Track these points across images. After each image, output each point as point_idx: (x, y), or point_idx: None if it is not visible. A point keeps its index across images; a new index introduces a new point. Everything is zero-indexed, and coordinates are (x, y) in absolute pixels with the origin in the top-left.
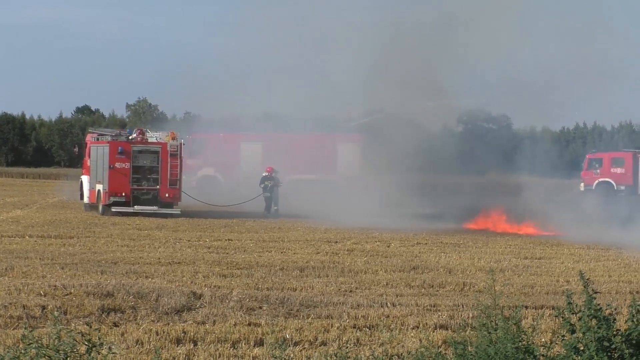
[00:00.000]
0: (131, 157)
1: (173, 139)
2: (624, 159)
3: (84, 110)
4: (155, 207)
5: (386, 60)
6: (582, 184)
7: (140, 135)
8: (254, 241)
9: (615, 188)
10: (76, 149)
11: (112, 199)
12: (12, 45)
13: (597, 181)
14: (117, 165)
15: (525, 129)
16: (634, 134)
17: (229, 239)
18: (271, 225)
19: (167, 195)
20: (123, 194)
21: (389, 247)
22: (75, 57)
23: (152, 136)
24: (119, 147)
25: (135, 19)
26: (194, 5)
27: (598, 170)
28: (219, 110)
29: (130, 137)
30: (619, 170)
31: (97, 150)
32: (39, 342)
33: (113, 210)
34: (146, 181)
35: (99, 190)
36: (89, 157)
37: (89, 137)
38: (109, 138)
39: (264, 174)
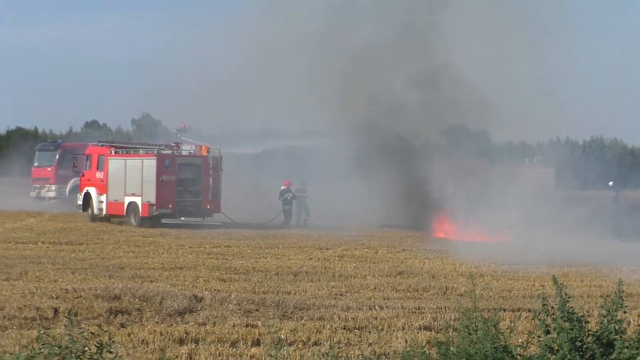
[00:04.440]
0: (176, 170)
1: (207, 152)
2: None
3: (93, 124)
4: (200, 218)
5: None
6: None
7: (176, 149)
8: (250, 248)
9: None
10: (75, 162)
11: (160, 211)
12: (24, 63)
13: None
14: (164, 178)
15: (502, 143)
16: None
17: (227, 246)
18: (266, 233)
19: (208, 206)
20: (169, 206)
21: (376, 253)
22: (84, 74)
23: (185, 149)
24: (166, 161)
25: (134, 40)
26: (193, 25)
27: None
28: (218, 123)
29: (173, 151)
30: None
31: (126, 163)
32: (53, 342)
33: (163, 221)
34: (188, 193)
35: (133, 203)
36: (101, 169)
37: (92, 150)
38: (155, 151)
39: (282, 188)
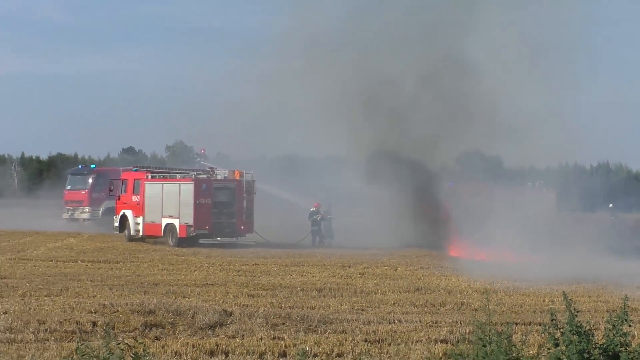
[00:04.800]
0: (212, 193)
1: (240, 176)
2: None
3: (129, 150)
4: (235, 238)
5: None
6: None
7: (211, 173)
8: (277, 265)
9: None
10: (111, 187)
11: (198, 232)
12: (66, 93)
13: None
14: (201, 201)
15: (515, 168)
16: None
17: (255, 264)
18: (292, 251)
19: (242, 227)
20: (206, 227)
21: (396, 270)
22: (122, 104)
23: (220, 174)
24: (203, 185)
25: (169, 71)
26: (221, 58)
27: None
28: (244, 151)
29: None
30: None
31: (163, 187)
32: (91, 353)
33: (201, 242)
34: (223, 215)
35: (170, 224)
36: (137, 194)
37: (127, 175)
38: (192, 176)
39: (312, 209)
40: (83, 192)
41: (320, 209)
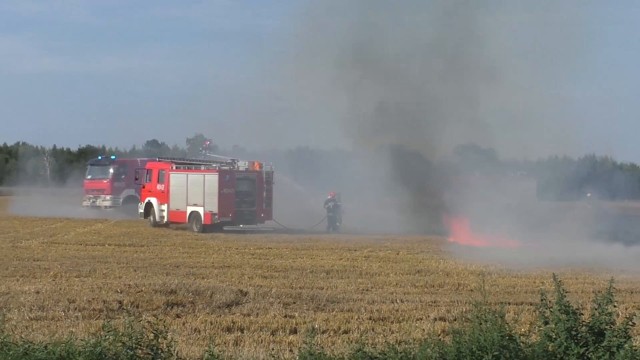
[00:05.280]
0: (234, 184)
1: (260, 167)
2: None
3: (153, 143)
4: (255, 225)
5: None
6: None
7: (233, 165)
8: (288, 249)
9: None
10: (137, 176)
11: (222, 219)
12: (96, 90)
13: None
14: (225, 190)
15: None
16: None
17: (269, 248)
18: (302, 237)
19: (262, 215)
20: (230, 215)
21: (398, 254)
22: (147, 100)
23: (240, 165)
24: (227, 176)
25: (189, 69)
26: (239, 59)
27: None
28: (258, 143)
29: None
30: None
31: (188, 178)
32: (116, 330)
33: (224, 228)
34: (245, 203)
35: (195, 212)
36: (162, 183)
37: (152, 165)
38: (217, 168)
39: (327, 197)
40: (105, 182)
41: (336, 197)
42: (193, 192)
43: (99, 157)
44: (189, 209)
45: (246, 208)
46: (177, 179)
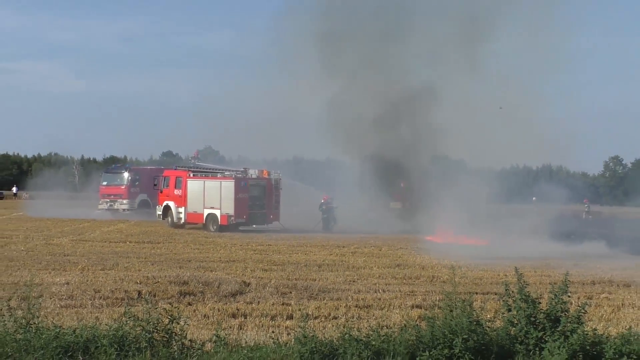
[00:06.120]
0: (248, 190)
1: (268, 175)
2: None
3: (167, 153)
4: (266, 225)
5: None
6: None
7: (245, 173)
8: (285, 246)
9: None
10: (155, 182)
11: (237, 220)
12: (117, 106)
13: None
14: (240, 195)
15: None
16: None
17: (268, 244)
18: (297, 235)
19: (271, 216)
20: (244, 217)
21: (380, 250)
22: (161, 115)
23: (252, 173)
24: (242, 182)
25: (199, 89)
26: (241, 79)
27: None
28: (261, 153)
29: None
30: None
31: (205, 184)
32: (136, 316)
33: (240, 228)
34: (256, 206)
35: (212, 214)
36: (179, 188)
37: (168, 173)
38: (233, 175)
39: (321, 201)
40: (122, 187)
41: (329, 200)
42: (210, 197)
43: (113, 166)
44: (206, 212)
45: (258, 210)
46: (194, 185)
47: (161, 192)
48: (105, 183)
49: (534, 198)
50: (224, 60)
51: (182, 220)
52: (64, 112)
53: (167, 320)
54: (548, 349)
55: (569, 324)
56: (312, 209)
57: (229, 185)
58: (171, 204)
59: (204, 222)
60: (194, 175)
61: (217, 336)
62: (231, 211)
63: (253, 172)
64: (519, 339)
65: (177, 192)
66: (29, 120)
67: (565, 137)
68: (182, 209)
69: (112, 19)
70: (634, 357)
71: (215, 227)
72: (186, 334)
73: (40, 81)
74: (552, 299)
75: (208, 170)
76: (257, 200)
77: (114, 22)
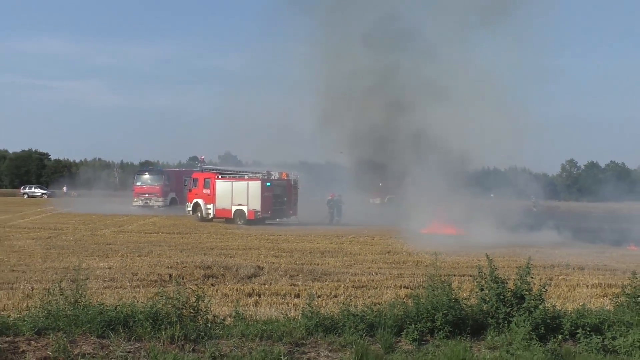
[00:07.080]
0: (272, 189)
1: (287, 176)
2: None
3: (193, 158)
4: (286, 219)
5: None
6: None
7: (268, 175)
8: (293, 236)
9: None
10: (185, 183)
11: (263, 215)
12: (150, 118)
13: None
14: (266, 194)
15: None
16: None
17: (279, 235)
18: (304, 227)
19: (290, 212)
20: (269, 212)
21: (373, 239)
22: (188, 125)
23: (273, 174)
24: (267, 183)
25: (219, 104)
26: (257, 95)
27: None
28: (272, 157)
29: (270, 177)
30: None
31: (233, 185)
32: (167, 295)
33: (266, 222)
34: (279, 203)
35: (239, 210)
36: (208, 188)
37: (197, 175)
38: (260, 177)
39: (328, 198)
40: (157, 186)
41: (335, 197)
42: (238, 195)
43: (145, 168)
44: (234, 208)
45: (279, 207)
46: (222, 185)
47: (190, 191)
48: (139, 183)
49: (492, 194)
50: (240, 78)
51: (210, 215)
52: (104, 122)
53: (194, 298)
54: (515, 322)
55: (532, 301)
56: (321, 205)
57: (256, 185)
58: (200, 201)
59: (232, 216)
60: (222, 177)
61: (236, 312)
62: (258, 207)
63: (275, 174)
64: (491, 314)
65: (205, 191)
66: (76, 131)
67: (530, 142)
68: (210, 206)
69: (146, 44)
70: (588, 328)
71: (242, 220)
72: (210, 310)
73: (84, 97)
74: (518, 279)
75: (235, 172)
76: (279, 198)
77: (147, 47)
